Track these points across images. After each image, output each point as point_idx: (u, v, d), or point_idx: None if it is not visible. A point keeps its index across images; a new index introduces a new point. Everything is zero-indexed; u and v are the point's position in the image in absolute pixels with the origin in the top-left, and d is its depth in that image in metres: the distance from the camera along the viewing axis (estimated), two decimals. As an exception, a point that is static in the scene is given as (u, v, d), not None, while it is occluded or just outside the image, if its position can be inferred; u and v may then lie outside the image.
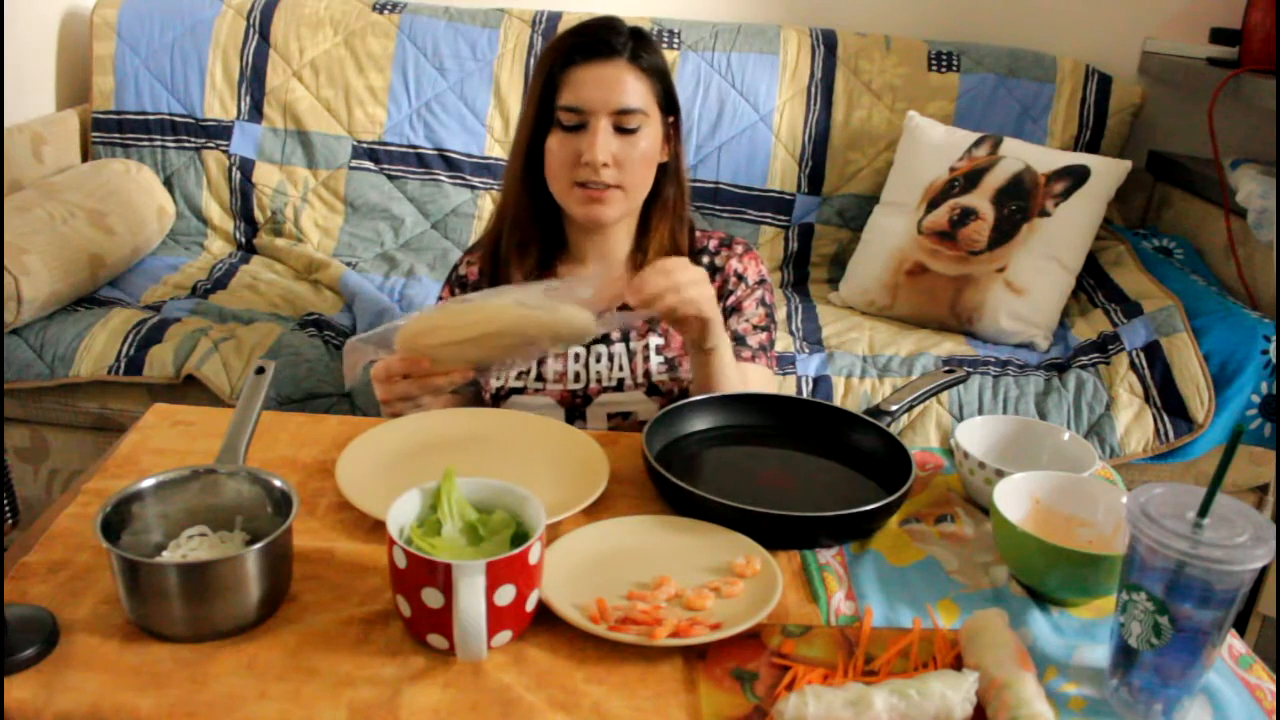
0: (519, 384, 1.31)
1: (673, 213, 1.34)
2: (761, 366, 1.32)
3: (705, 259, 1.36)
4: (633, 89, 1.23)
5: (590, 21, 1.27)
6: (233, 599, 0.77)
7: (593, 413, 1.32)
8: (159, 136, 2.30)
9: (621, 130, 1.23)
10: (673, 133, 1.31)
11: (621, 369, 1.31)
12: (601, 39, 1.23)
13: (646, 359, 1.31)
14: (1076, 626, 0.86)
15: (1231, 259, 2.01)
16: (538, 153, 1.27)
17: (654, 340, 1.32)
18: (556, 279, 1.11)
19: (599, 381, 1.31)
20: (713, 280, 1.35)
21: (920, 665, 0.79)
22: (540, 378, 1.31)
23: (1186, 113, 2.33)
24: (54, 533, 0.90)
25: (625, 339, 1.32)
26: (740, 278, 1.35)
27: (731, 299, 1.34)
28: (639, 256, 1.33)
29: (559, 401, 1.32)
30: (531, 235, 1.32)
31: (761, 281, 1.36)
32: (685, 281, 1.09)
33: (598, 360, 1.31)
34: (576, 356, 1.31)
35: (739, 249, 1.37)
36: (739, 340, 1.32)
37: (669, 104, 1.29)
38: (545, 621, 0.80)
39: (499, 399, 1.32)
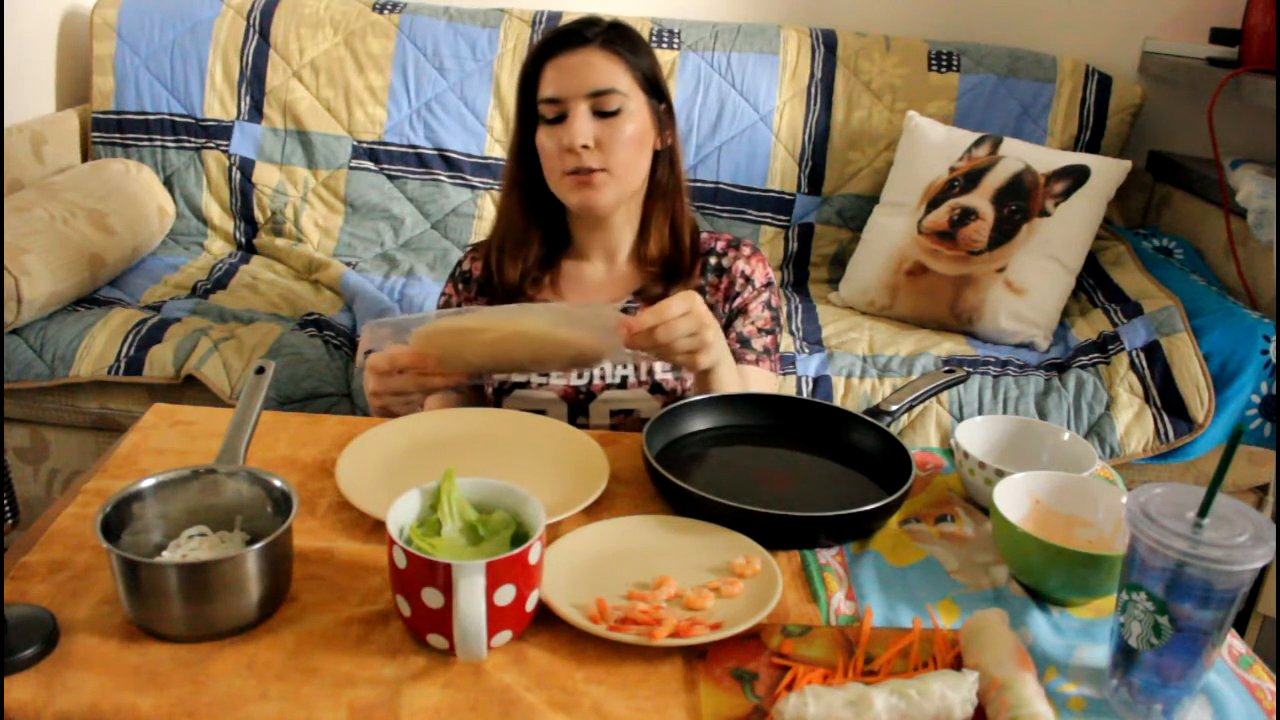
0: (522, 379, 1.31)
1: (671, 202, 1.34)
2: (764, 370, 1.32)
3: (712, 260, 1.37)
4: (605, 70, 1.25)
5: (572, 21, 1.29)
6: (233, 599, 0.77)
7: (595, 409, 1.32)
8: (159, 136, 2.30)
9: (601, 114, 1.25)
10: (666, 119, 1.31)
11: (625, 366, 1.31)
12: (572, 31, 1.26)
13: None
14: (1076, 626, 0.86)
15: (1231, 259, 2.01)
16: (530, 152, 1.29)
17: None
18: (585, 302, 1.12)
19: (602, 378, 1.31)
20: (719, 281, 1.36)
21: (920, 665, 0.79)
22: (544, 373, 1.31)
23: (1186, 113, 2.32)
24: (54, 533, 0.90)
25: None
26: (748, 279, 1.35)
27: (738, 301, 1.35)
28: (641, 249, 1.34)
29: (562, 397, 1.32)
30: (530, 234, 1.34)
31: (768, 284, 1.37)
32: (680, 334, 1.08)
33: None
34: None
35: (746, 250, 1.37)
36: (744, 343, 1.32)
37: (654, 89, 1.30)
38: (545, 621, 0.80)
39: (502, 393, 1.32)
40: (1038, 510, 0.94)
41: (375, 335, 1.13)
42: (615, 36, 1.27)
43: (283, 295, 2.06)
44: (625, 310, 1.17)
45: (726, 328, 1.35)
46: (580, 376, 1.31)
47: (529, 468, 1.04)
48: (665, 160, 1.33)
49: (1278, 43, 1.98)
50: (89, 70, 2.31)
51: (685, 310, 1.08)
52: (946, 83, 2.25)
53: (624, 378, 1.31)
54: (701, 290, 1.35)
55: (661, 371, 1.32)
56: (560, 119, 1.25)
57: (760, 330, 1.34)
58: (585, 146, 1.23)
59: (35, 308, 1.76)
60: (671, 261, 1.34)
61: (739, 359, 1.32)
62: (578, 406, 1.32)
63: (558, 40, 1.26)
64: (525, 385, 1.32)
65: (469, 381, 1.20)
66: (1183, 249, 2.15)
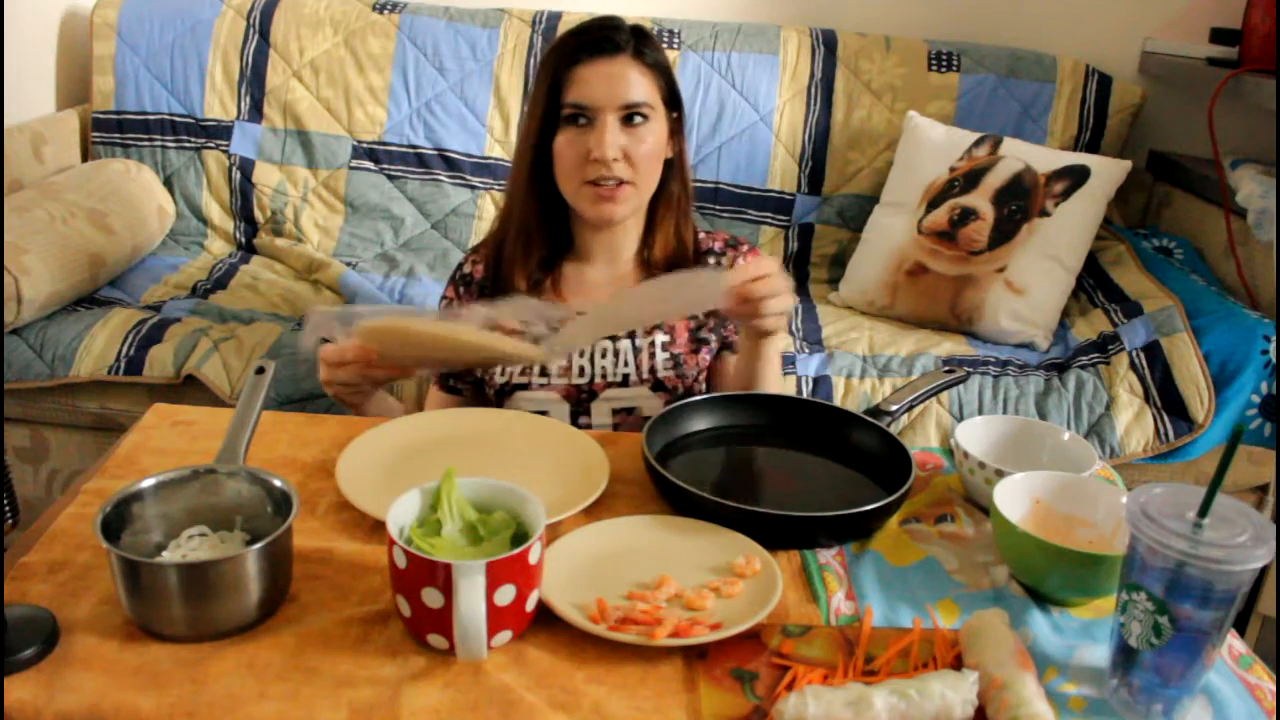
0: (523, 380, 1.32)
1: (678, 208, 1.35)
2: None
3: (711, 259, 1.38)
4: (637, 84, 1.25)
5: (591, 21, 1.28)
6: (233, 599, 0.77)
7: (597, 408, 1.32)
8: (159, 136, 2.30)
9: (629, 126, 1.25)
10: (677, 128, 1.32)
11: (626, 365, 1.32)
12: (605, 36, 1.25)
13: (652, 355, 1.32)
14: (1076, 626, 0.86)
15: (1231, 259, 2.01)
16: (545, 153, 1.28)
17: (659, 337, 1.33)
18: (529, 300, 1.17)
19: (604, 377, 1.31)
20: None
21: (920, 665, 0.79)
22: (544, 373, 1.31)
23: (1186, 113, 2.32)
24: (54, 533, 0.90)
25: (631, 335, 1.32)
26: None
27: None
28: (646, 253, 1.35)
29: (564, 397, 1.32)
30: (538, 235, 1.33)
31: None
32: (781, 290, 1.11)
33: (603, 355, 1.32)
34: (582, 352, 1.32)
35: (744, 248, 1.39)
36: None
37: (672, 100, 1.31)
38: (545, 621, 0.81)
39: (503, 394, 1.33)
40: (1038, 510, 0.94)
41: (317, 323, 1.16)
42: (643, 45, 1.27)
43: (283, 295, 2.06)
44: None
45: (725, 320, 1.35)
46: (581, 375, 1.31)
47: (529, 468, 1.04)
48: (675, 167, 1.34)
49: (1278, 43, 1.98)
50: (89, 70, 2.30)
51: (779, 269, 1.12)
52: (946, 83, 2.25)
53: (625, 375, 1.31)
54: None
55: (663, 369, 1.32)
56: (584, 125, 1.24)
57: None
58: (615, 160, 1.24)
59: (35, 308, 1.76)
60: (676, 265, 1.34)
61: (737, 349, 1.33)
62: (579, 406, 1.32)
63: (590, 45, 1.25)
64: (526, 386, 1.32)
65: (412, 376, 1.23)
66: (1183, 249, 2.15)
